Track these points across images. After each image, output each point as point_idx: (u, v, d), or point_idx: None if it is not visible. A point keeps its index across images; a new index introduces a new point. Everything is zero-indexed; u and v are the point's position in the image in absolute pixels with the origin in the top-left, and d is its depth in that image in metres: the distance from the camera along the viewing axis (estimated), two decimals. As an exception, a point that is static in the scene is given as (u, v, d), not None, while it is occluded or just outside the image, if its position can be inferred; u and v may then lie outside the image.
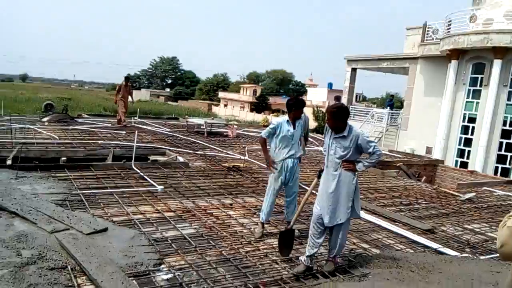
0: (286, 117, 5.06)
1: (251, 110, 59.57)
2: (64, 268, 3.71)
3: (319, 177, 4.35)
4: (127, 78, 15.01)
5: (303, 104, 5.10)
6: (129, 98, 14.81)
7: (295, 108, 4.99)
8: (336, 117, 4.03)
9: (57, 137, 10.71)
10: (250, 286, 3.71)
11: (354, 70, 24.45)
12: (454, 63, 16.78)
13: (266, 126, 22.01)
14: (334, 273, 4.16)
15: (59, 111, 15.55)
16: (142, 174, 7.61)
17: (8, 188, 5.80)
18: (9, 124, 11.20)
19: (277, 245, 4.56)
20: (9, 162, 7.59)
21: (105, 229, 4.67)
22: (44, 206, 5.21)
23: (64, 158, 8.48)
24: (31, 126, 12.06)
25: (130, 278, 3.58)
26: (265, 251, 4.63)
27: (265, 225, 5.24)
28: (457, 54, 16.62)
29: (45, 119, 13.88)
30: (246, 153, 11.12)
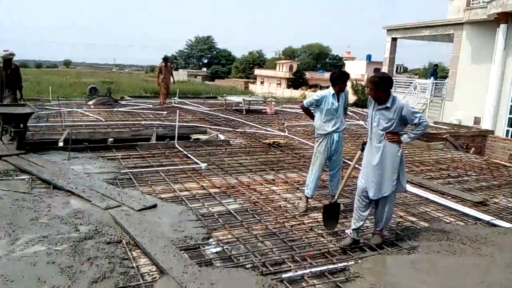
0: (330, 90, 4.98)
1: (288, 87, 58.97)
2: (119, 242, 3.90)
3: (362, 149, 4.27)
4: (166, 58, 15.09)
5: (347, 77, 5.02)
6: (171, 79, 14.88)
7: (341, 81, 4.92)
8: (379, 87, 3.91)
9: (103, 119, 11.13)
10: (297, 258, 3.75)
11: (394, 40, 23.47)
12: (503, 27, 15.71)
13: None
14: (381, 246, 4.12)
15: (103, 94, 16.08)
16: (185, 152, 7.79)
17: (62, 169, 6.12)
18: (58, 108, 11.72)
19: (322, 219, 4.56)
20: (61, 144, 7.99)
21: (154, 206, 4.84)
22: (96, 184, 5.47)
23: (111, 139, 8.81)
24: (78, 110, 12.59)
25: (181, 252, 3.71)
26: (310, 225, 4.65)
27: (309, 200, 5.24)
28: (506, 17, 15.52)
29: (90, 102, 14.43)
30: (285, 129, 11.09)
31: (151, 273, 3.39)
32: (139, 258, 3.64)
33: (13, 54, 8.08)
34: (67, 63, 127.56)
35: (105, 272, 3.28)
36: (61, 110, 11.35)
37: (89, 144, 8.00)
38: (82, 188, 5.25)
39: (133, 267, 3.45)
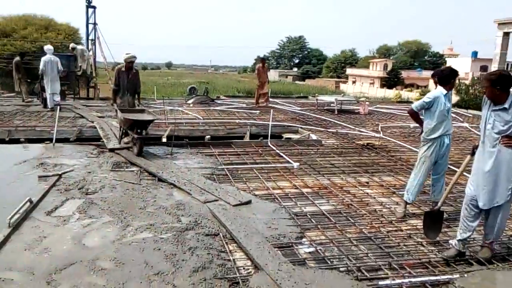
0: (441, 89, 4.62)
1: (382, 86, 56.45)
2: (217, 235, 4.08)
3: (473, 154, 3.91)
4: (263, 59, 15.15)
5: (457, 74, 4.65)
6: (267, 79, 14.74)
7: (453, 78, 4.59)
8: (495, 85, 3.53)
9: (201, 117, 11.75)
10: (395, 266, 3.57)
11: (506, 34, 21.13)
12: None
13: (400, 102, 20.51)
14: (490, 260, 3.74)
15: (201, 93, 16.97)
16: (278, 151, 7.89)
17: (166, 163, 6.60)
18: (162, 106, 12.67)
19: (422, 226, 4.28)
20: (164, 140, 8.63)
21: (249, 202, 4.98)
22: (196, 179, 5.80)
23: (208, 136, 9.27)
24: (179, 108, 13.46)
25: (275, 249, 3.76)
26: (408, 232, 4.39)
27: (408, 205, 4.96)
28: None
29: (189, 101, 15.33)
30: (380, 130, 10.64)
31: (246, 267, 3.49)
32: (235, 251, 3.77)
33: (135, 57, 7.74)
34: (168, 65, 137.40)
35: (204, 263, 3.46)
36: (165, 109, 12.23)
37: (189, 141, 8.51)
38: (184, 182, 5.60)
39: (229, 260, 3.58)
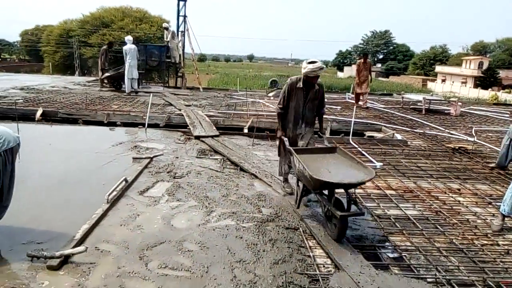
0: None
1: (475, 86, 52.04)
2: (297, 229, 4.08)
3: None
4: (366, 54, 14.05)
5: None
6: (369, 77, 13.29)
7: None
8: None
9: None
10: (490, 283, 3.28)
11: None
12: None
13: (496, 104, 18.74)
14: None
15: (281, 86, 17.03)
16: (360, 149, 7.65)
17: (248, 153, 6.73)
18: (244, 98, 12.94)
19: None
20: (245, 130, 8.81)
21: (330, 199, 4.89)
22: (276, 171, 5.83)
23: (288, 130, 9.25)
24: (260, 100, 13.64)
25: (356, 250, 3.66)
26: (506, 247, 4.01)
27: (506, 219, 4.52)
28: None
29: (270, 93, 15.47)
30: (474, 134, 9.82)
31: (326, 266, 3.44)
32: (315, 248, 3.73)
33: (322, 69, 4.59)
34: (250, 58, 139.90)
35: (285, 256, 3.48)
36: (246, 100, 12.48)
37: (270, 133, 8.59)
38: (264, 173, 5.67)
39: (309, 256, 3.56)
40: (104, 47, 14.78)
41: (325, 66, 4.92)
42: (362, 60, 13.46)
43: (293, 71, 68.12)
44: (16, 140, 3.14)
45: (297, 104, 4.80)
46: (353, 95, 14.87)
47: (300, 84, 4.76)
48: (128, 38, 13.42)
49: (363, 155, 7.31)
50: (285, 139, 4.75)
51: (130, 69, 13.03)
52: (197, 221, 4.03)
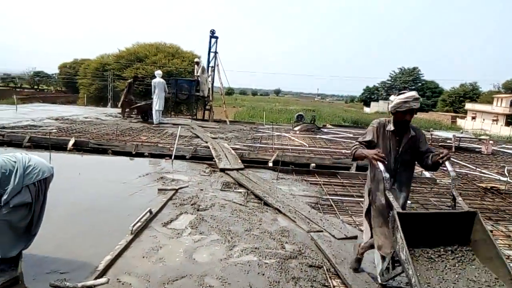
0: None
1: (507, 124, 50.52)
2: (320, 267, 3.96)
3: None
4: (399, 89, 14.15)
5: None
6: None
7: None
8: None
9: (307, 145, 11.77)
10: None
11: None
12: None
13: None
14: None
15: (308, 121, 17.08)
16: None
17: (272, 187, 6.69)
18: (270, 132, 13.02)
19: None
20: (270, 164, 8.81)
21: (355, 237, 4.76)
22: (300, 206, 5.76)
23: (314, 164, 9.21)
24: (286, 134, 13.69)
25: (383, 292, 3.51)
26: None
27: None
28: None
29: (296, 128, 15.52)
30: (506, 173, 9.46)
31: (350, 307, 3.30)
32: (339, 288, 3.61)
33: (418, 100, 3.32)
34: (277, 92, 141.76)
35: (307, 295, 3.37)
36: (272, 134, 12.55)
37: (295, 167, 8.55)
38: (288, 208, 5.61)
39: (333, 297, 3.43)
40: (129, 80, 15.44)
41: (420, 97, 3.37)
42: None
43: (319, 106, 68.37)
44: (50, 170, 3.25)
45: (386, 152, 3.30)
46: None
47: (391, 127, 3.38)
48: (158, 72, 14.12)
49: (390, 192, 7.13)
50: (386, 176, 3.02)
51: (158, 101, 13.59)
52: (219, 256, 3.99)
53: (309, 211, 5.55)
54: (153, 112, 13.84)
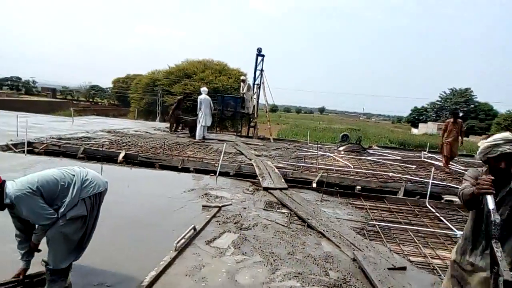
0: None
1: None
2: (366, 298, 3.79)
3: None
4: (456, 113, 12.68)
5: None
6: (459, 138, 12.08)
7: None
8: None
9: (352, 166, 11.50)
10: None
11: None
12: None
13: None
14: None
15: (353, 141, 16.74)
16: (437, 214, 7.12)
17: (316, 209, 6.56)
18: (314, 151, 12.86)
19: None
20: (314, 185, 8.67)
21: (404, 268, 4.54)
22: (345, 231, 5.59)
23: (359, 187, 8.97)
24: (330, 154, 13.47)
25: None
26: None
27: None
28: None
29: (341, 148, 15.24)
30: None
31: None
32: (387, 323, 3.42)
33: None
34: (321, 110, 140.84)
35: (353, 328, 3.22)
36: (316, 153, 12.39)
37: (339, 189, 8.36)
38: (333, 233, 5.45)
39: (380, 331, 3.26)
40: (180, 97, 15.91)
41: None
42: (451, 120, 12.15)
43: (364, 125, 67.04)
44: (105, 185, 3.36)
45: (481, 212, 2.54)
46: (431, 154, 14.13)
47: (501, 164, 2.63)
48: (203, 89, 14.54)
49: (441, 221, 6.78)
50: (496, 219, 2.23)
51: (204, 117, 13.89)
52: (261, 279, 3.92)
53: (354, 237, 5.37)
54: (198, 127, 14.16)
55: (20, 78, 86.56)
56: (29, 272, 3.29)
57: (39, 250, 3.21)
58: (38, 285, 3.25)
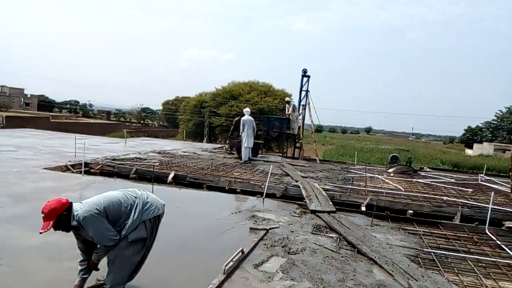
0: None
1: None
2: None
3: None
4: None
5: None
6: None
7: None
8: None
9: (402, 189, 11.07)
10: None
11: None
12: None
13: None
14: None
15: (403, 163, 16.17)
16: (498, 242, 6.65)
17: (366, 234, 6.34)
18: (362, 172, 12.55)
19: None
20: (363, 208, 8.42)
21: (464, 301, 4.25)
22: (398, 258, 5.34)
23: (411, 211, 8.59)
24: (379, 176, 13.07)
25: None
26: None
27: None
28: None
29: (390, 170, 14.76)
30: None
31: None
32: None
33: None
34: (368, 130, 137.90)
35: None
36: (365, 175, 12.07)
37: (390, 213, 8.06)
38: (385, 260, 5.23)
39: None
40: (237, 118, 16.10)
41: None
42: None
43: (414, 146, 64.67)
44: (163, 207, 3.45)
45: None
46: (489, 177, 13.33)
47: None
48: (246, 110, 14.71)
49: (503, 249, 6.32)
50: None
51: (247, 139, 13.99)
52: (311, 306, 3.81)
53: (408, 265, 5.11)
54: (242, 149, 14.27)
55: (78, 102, 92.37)
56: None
57: (98, 269, 3.31)
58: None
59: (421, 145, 79.10)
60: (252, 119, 14.46)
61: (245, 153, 14.27)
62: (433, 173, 15.99)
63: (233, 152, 16.26)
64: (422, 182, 12.77)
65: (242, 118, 14.35)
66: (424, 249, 5.98)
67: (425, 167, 18.40)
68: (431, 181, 13.16)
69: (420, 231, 7.04)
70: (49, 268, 4.06)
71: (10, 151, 12.49)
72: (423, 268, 5.15)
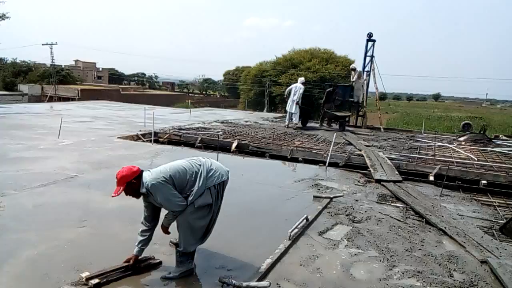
0: None
1: None
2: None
3: None
4: None
5: None
6: None
7: None
8: None
9: (475, 158, 10.43)
10: None
11: None
12: None
13: None
14: None
15: (476, 131, 15.16)
16: None
17: (435, 204, 6.11)
18: (430, 141, 11.95)
19: None
20: (431, 178, 8.07)
21: (545, 276, 3.99)
22: (470, 230, 5.11)
23: (485, 182, 8.10)
24: (449, 145, 12.38)
25: None
26: None
27: None
28: None
29: (461, 138, 13.92)
30: None
31: None
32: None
33: None
34: (436, 97, 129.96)
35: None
36: (434, 144, 11.50)
37: (461, 184, 7.66)
38: (456, 231, 5.03)
39: None
40: (328, 89, 15.82)
41: None
42: None
43: (488, 113, 60.04)
44: (227, 174, 3.56)
45: None
46: None
47: None
48: (301, 79, 14.61)
49: None
50: None
51: (291, 104, 14.13)
52: (377, 275, 3.80)
53: (481, 237, 4.88)
54: (287, 114, 14.65)
55: (144, 74, 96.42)
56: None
57: (169, 233, 3.53)
58: (146, 270, 3.54)
59: (496, 111, 73.31)
60: (303, 87, 14.18)
61: (288, 118, 14.69)
62: (510, 141, 14.83)
63: (323, 124, 16.00)
64: (497, 151, 11.93)
65: (292, 85, 14.46)
66: (499, 221, 5.65)
67: (500, 135, 17.10)
68: (508, 150, 12.23)
69: (495, 202, 6.66)
70: (126, 230, 4.39)
71: (87, 121, 13.47)
72: (498, 241, 4.90)
